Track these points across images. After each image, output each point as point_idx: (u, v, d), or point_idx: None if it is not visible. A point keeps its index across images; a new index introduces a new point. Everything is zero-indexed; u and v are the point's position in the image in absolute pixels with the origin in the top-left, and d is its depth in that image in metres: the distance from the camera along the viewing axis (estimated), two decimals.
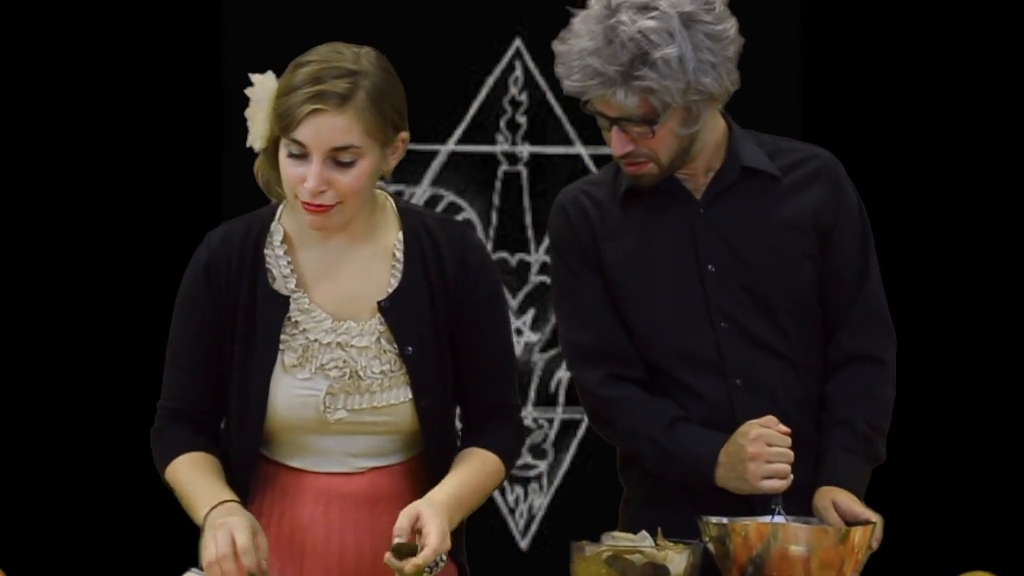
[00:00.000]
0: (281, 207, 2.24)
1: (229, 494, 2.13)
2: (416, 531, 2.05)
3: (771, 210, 2.35)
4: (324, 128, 2.08)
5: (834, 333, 2.37)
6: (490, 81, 4.47)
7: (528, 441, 4.50)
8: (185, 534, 2.24)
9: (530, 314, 4.51)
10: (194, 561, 2.14)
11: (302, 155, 2.11)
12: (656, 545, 2.12)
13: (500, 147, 4.52)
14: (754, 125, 2.53)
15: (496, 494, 4.48)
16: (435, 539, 2.02)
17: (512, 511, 4.42)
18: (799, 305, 2.35)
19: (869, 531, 2.14)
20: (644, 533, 2.15)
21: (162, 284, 4.19)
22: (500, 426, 2.24)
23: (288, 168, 2.13)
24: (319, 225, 2.14)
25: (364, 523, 2.19)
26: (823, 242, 2.36)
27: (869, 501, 2.30)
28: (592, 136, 4.54)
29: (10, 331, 4.12)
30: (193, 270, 2.23)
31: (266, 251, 2.20)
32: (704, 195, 2.36)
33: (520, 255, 4.51)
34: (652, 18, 2.19)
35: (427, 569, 2.03)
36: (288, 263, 2.19)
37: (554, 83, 4.67)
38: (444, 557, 2.05)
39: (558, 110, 4.52)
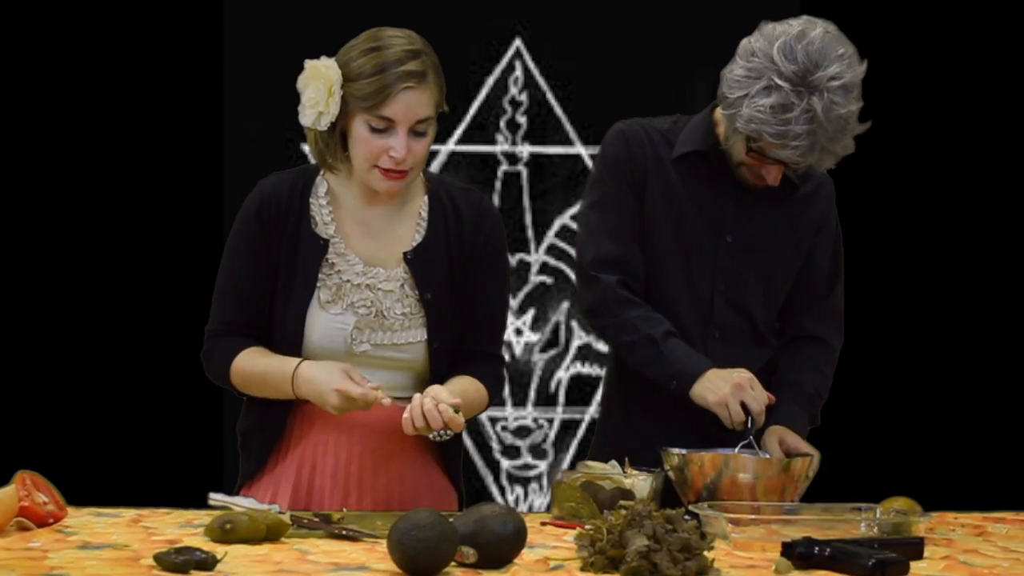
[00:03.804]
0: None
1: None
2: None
3: (788, 210, 2.69)
4: (412, 104, 2.37)
5: (799, 315, 2.73)
6: (490, 81, 4.49)
7: (528, 441, 4.50)
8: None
9: (530, 314, 4.51)
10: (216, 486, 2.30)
11: (385, 129, 2.37)
12: (624, 473, 2.38)
13: (500, 147, 4.53)
14: None
15: (496, 494, 4.48)
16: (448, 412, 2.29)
17: None
18: (779, 292, 2.72)
19: (807, 462, 2.43)
20: (614, 462, 2.42)
21: (161, 280, 4.26)
22: (484, 366, 2.50)
23: (369, 142, 2.39)
24: (394, 190, 2.43)
25: (380, 450, 2.44)
26: (811, 246, 2.73)
27: (809, 440, 2.61)
28: (592, 136, 4.56)
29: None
30: (246, 212, 2.49)
31: (311, 200, 2.48)
32: (741, 181, 2.65)
33: (520, 255, 4.51)
34: (855, 99, 2.48)
35: (435, 434, 2.31)
36: (330, 212, 2.47)
37: (554, 83, 4.74)
38: (450, 431, 2.31)
39: (558, 110, 4.53)
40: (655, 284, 2.66)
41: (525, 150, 4.51)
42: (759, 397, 2.51)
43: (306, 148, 4.39)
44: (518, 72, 4.51)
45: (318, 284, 2.43)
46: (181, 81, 4.27)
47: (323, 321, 2.42)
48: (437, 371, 2.45)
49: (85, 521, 2.21)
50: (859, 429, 4.23)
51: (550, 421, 4.52)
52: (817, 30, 2.48)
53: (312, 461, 2.46)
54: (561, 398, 4.54)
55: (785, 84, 2.43)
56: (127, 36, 4.25)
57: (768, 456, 2.48)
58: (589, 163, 4.52)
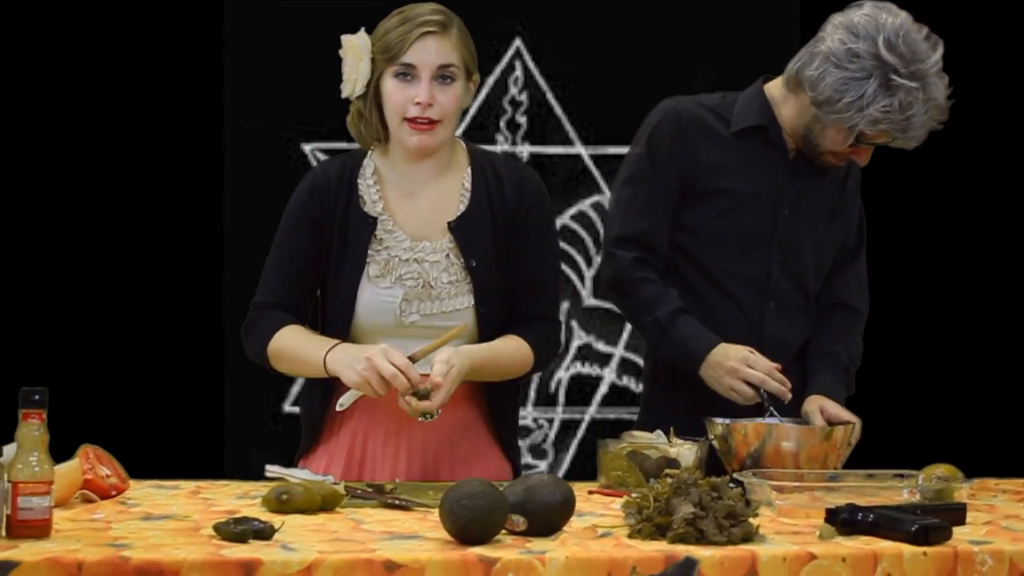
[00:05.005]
0: (371, 151, 2.59)
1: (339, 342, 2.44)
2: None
3: (833, 180, 2.77)
4: (431, 49, 2.47)
5: (831, 279, 2.80)
6: (490, 81, 4.49)
7: (528, 441, 4.52)
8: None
9: None
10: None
11: (410, 76, 2.46)
12: (669, 442, 2.43)
13: (500, 147, 4.53)
14: None
15: None
16: (437, 399, 2.34)
17: None
18: (827, 262, 2.78)
19: (849, 430, 2.47)
20: (659, 432, 2.47)
21: (160, 277, 4.29)
22: (536, 326, 2.54)
23: (395, 93, 2.48)
24: (424, 143, 2.49)
25: (432, 421, 2.43)
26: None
27: (850, 407, 2.63)
28: (592, 136, 4.57)
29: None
30: (299, 194, 2.57)
31: (359, 181, 2.56)
32: (796, 155, 2.73)
33: None
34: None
35: (424, 415, 2.36)
36: (377, 191, 2.55)
37: (554, 83, 4.74)
38: (439, 411, 2.37)
39: (558, 110, 4.54)
40: (707, 259, 2.69)
41: (525, 150, 4.53)
42: (759, 369, 2.54)
43: (306, 148, 4.45)
44: (518, 72, 4.52)
45: (367, 260, 2.49)
46: (182, 81, 4.29)
47: (372, 295, 2.48)
48: (485, 337, 2.50)
49: (146, 493, 2.27)
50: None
51: (550, 421, 4.54)
52: (900, 17, 2.55)
53: (364, 433, 2.52)
54: (561, 398, 4.56)
55: (903, 80, 2.51)
56: (128, 36, 4.27)
57: (811, 425, 2.52)
58: (589, 163, 4.54)
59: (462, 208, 2.53)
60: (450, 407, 2.42)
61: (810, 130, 2.64)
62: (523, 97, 4.53)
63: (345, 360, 2.37)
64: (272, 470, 2.31)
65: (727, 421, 2.46)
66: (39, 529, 1.84)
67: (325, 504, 2.11)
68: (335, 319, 2.50)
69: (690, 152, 2.69)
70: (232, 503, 2.19)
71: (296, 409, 4.42)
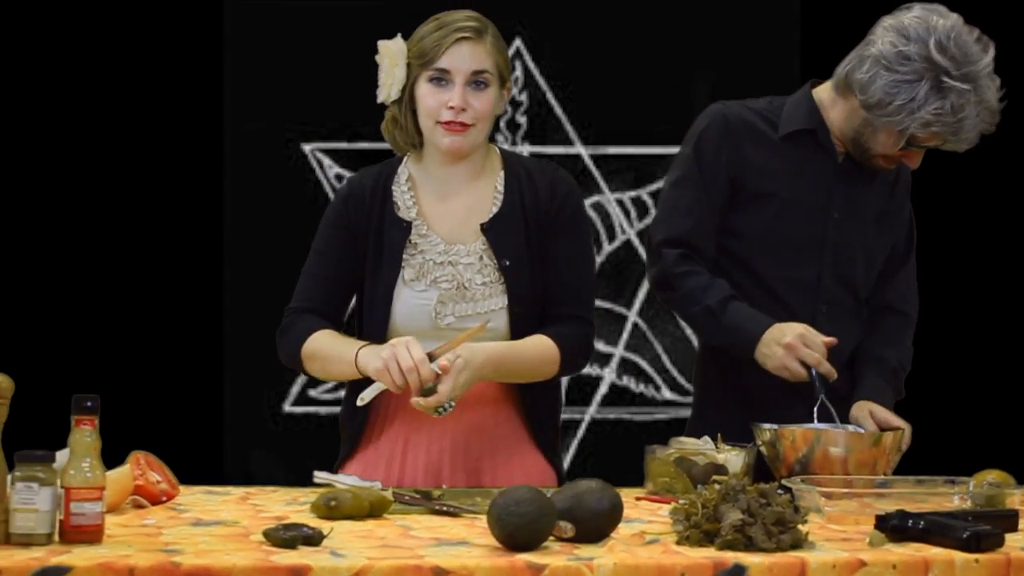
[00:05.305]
0: (406, 157, 2.62)
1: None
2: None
3: (882, 183, 2.76)
4: (466, 54, 2.49)
5: (880, 283, 2.78)
6: None
7: None
8: None
9: None
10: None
11: (444, 82, 2.49)
12: (716, 448, 2.41)
13: (500, 147, 4.52)
14: None
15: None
16: (444, 390, 2.34)
17: None
18: (877, 265, 2.77)
19: (899, 435, 2.45)
20: (706, 438, 2.45)
21: (160, 276, 4.31)
22: (565, 326, 2.53)
23: (429, 97, 2.51)
24: (457, 146, 2.51)
25: (473, 426, 2.50)
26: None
27: (899, 412, 2.62)
28: (592, 136, 4.58)
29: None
30: (336, 202, 2.62)
31: (393, 187, 2.59)
32: (845, 159, 2.73)
33: None
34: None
35: (436, 410, 2.36)
36: (411, 197, 2.58)
37: (554, 83, 4.75)
38: (452, 404, 2.36)
39: (558, 110, 4.55)
40: (757, 263, 2.69)
41: (525, 150, 4.53)
42: (816, 349, 2.53)
43: (306, 148, 4.47)
44: (518, 72, 4.53)
45: (402, 264, 2.51)
46: (182, 81, 4.32)
47: (408, 298, 2.51)
48: (518, 337, 2.50)
49: (197, 499, 2.29)
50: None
51: None
52: (951, 19, 2.54)
53: (405, 438, 2.53)
54: (561, 398, 4.52)
55: (956, 83, 2.50)
56: (128, 36, 4.30)
57: (855, 428, 2.51)
58: (589, 163, 4.54)
59: (495, 210, 2.54)
60: (486, 407, 2.44)
61: (860, 134, 2.63)
62: (523, 97, 4.55)
63: (373, 352, 2.39)
64: (320, 476, 2.32)
65: (775, 427, 2.44)
66: (91, 534, 1.86)
67: (373, 510, 2.12)
68: (373, 324, 2.52)
69: (738, 155, 2.69)
70: (281, 509, 2.20)
71: (297, 410, 4.46)
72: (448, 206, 2.56)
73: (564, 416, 4.62)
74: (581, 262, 2.58)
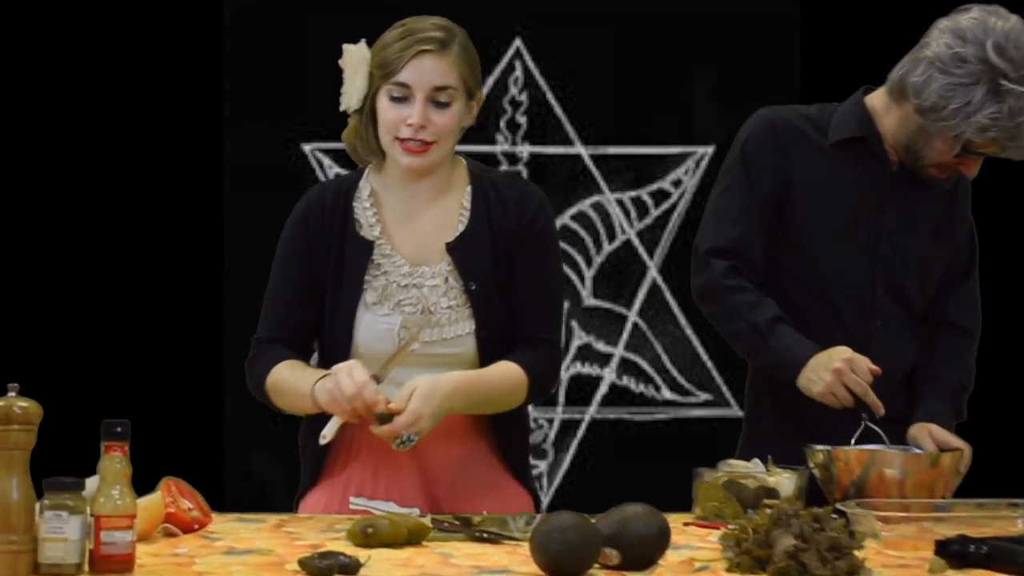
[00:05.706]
0: (368, 169, 2.50)
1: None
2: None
3: (938, 193, 2.66)
4: (427, 69, 2.36)
5: (940, 300, 2.69)
6: (490, 81, 4.46)
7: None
8: None
9: None
10: None
11: (404, 97, 2.37)
12: (767, 471, 2.33)
13: (500, 147, 4.51)
14: None
15: None
16: (404, 419, 2.24)
17: None
18: (933, 279, 2.68)
19: (957, 456, 2.38)
20: (756, 460, 2.37)
21: (160, 277, 4.29)
22: (528, 351, 2.41)
23: (389, 112, 2.38)
24: (416, 165, 2.39)
25: (441, 455, 2.40)
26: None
27: (959, 432, 2.55)
28: (592, 136, 4.53)
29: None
30: (293, 219, 2.49)
31: (355, 203, 2.46)
32: (899, 168, 2.64)
33: None
34: None
35: (397, 443, 2.27)
36: (374, 214, 2.46)
37: (554, 83, 4.71)
38: (415, 436, 2.26)
39: (558, 110, 4.51)
40: (808, 275, 2.61)
41: (525, 150, 4.50)
42: (862, 375, 2.44)
43: (306, 148, 4.45)
44: (518, 72, 4.50)
45: (364, 286, 2.40)
46: (181, 82, 4.30)
47: (370, 322, 2.39)
48: (486, 363, 2.39)
49: (229, 527, 2.23)
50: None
51: (550, 421, 4.49)
52: (1010, 21, 2.46)
53: (373, 468, 2.42)
54: (561, 398, 4.51)
55: (1013, 86, 2.42)
56: (127, 36, 4.28)
57: (911, 449, 2.43)
58: (589, 163, 4.50)
59: (461, 228, 2.43)
60: (456, 441, 2.35)
61: (914, 140, 2.55)
62: (523, 97, 4.51)
63: (323, 383, 2.28)
64: (356, 503, 2.26)
65: (828, 448, 2.36)
66: (122, 564, 1.81)
67: (411, 537, 2.06)
68: (334, 348, 2.40)
69: (786, 161, 2.62)
70: (316, 537, 2.14)
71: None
72: (413, 225, 2.44)
73: (564, 416, 4.62)
74: (549, 280, 2.46)
